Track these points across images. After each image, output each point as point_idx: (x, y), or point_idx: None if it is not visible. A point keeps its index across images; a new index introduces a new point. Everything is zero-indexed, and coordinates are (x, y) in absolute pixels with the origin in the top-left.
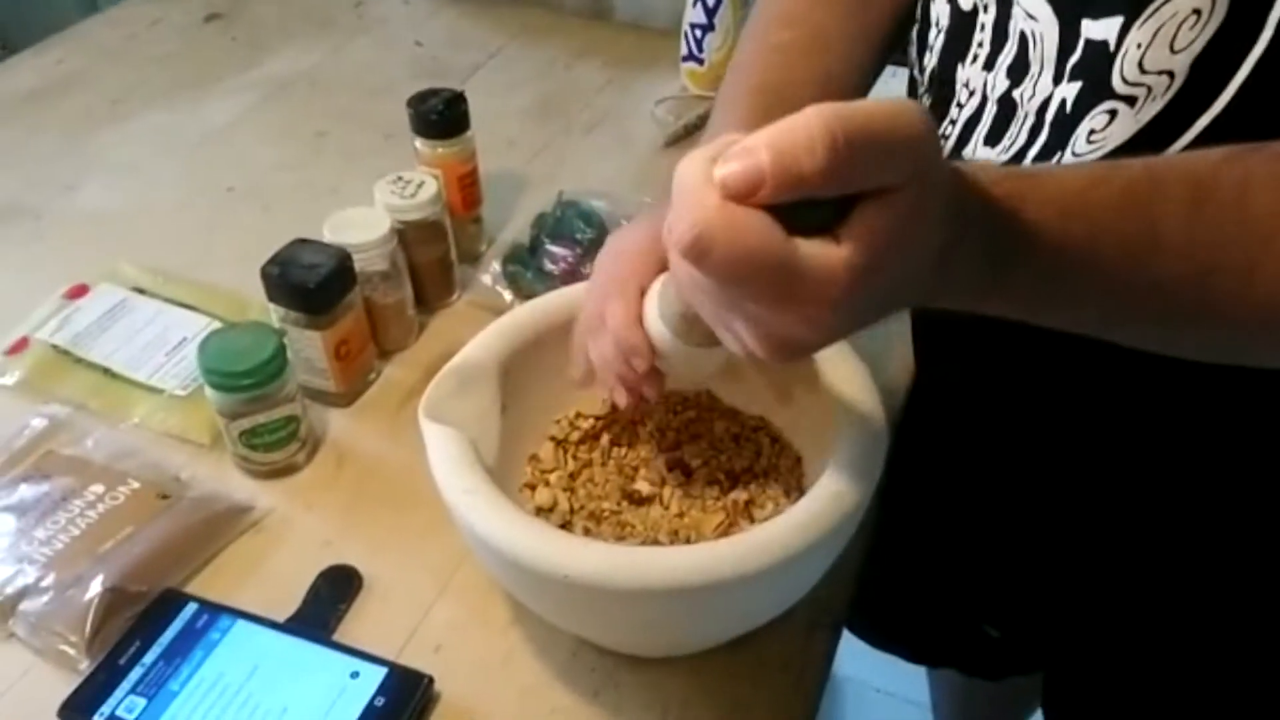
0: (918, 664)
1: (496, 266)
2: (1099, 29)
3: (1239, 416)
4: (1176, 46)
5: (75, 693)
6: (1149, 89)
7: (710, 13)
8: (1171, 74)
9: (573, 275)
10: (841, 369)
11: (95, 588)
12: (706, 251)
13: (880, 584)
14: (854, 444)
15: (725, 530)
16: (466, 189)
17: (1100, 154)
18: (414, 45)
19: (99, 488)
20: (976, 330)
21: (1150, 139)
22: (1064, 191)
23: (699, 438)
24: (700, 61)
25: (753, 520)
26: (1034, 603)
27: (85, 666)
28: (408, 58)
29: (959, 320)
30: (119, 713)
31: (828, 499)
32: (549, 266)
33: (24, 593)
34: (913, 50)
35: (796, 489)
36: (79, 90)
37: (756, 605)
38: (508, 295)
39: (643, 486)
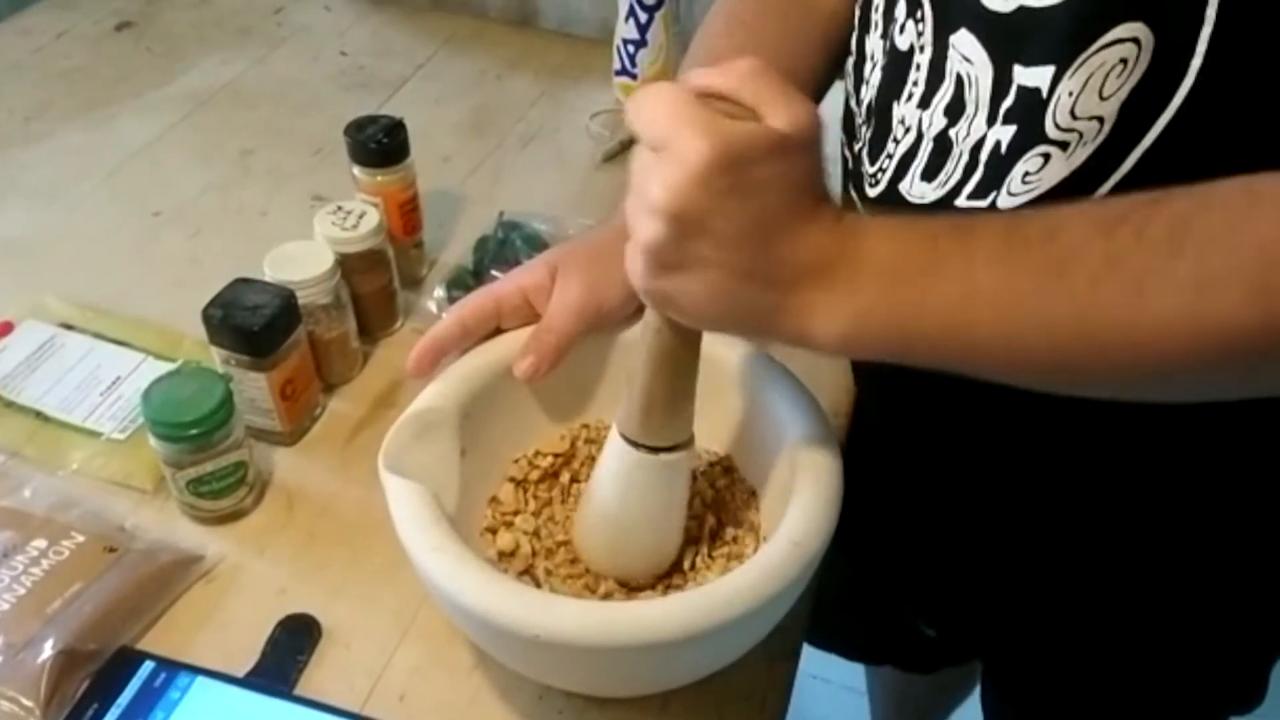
0: (856, 662)
1: (440, 291)
2: (1031, 76)
3: (1168, 425)
4: (1105, 94)
5: None
6: (1080, 134)
7: (643, 29)
8: (1101, 119)
9: None
10: (797, 405)
11: (47, 650)
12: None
13: (819, 587)
14: (811, 488)
15: (684, 570)
16: (407, 215)
17: (1035, 195)
18: (339, 55)
19: (41, 542)
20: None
21: (1081, 180)
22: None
23: None
24: (633, 76)
25: (716, 554)
26: (969, 600)
27: None
28: (333, 68)
29: None
30: None
31: (789, 548)
32: None
33: None
34: (849, 82)
35: (751, 529)
36: None
37: (722, 652)
38: None
39: None
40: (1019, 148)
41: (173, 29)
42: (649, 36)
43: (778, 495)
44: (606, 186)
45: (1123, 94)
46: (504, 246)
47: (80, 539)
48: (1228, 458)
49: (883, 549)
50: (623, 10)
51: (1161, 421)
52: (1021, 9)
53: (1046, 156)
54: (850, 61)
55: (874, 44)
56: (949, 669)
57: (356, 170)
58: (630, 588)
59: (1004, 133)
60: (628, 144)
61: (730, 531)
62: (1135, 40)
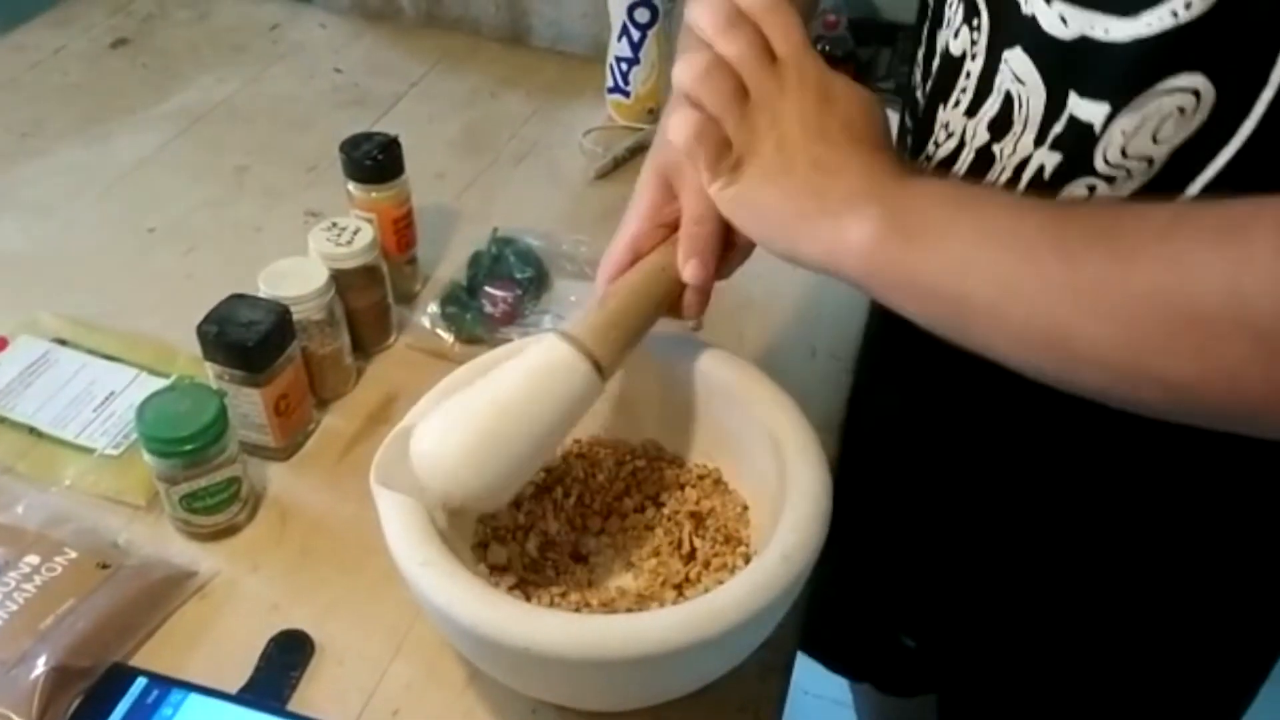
0: (834, 672)
1: (434, 308)
2: (1085, 108)
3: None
4: (1158, 138)
5: None
6: (1128, 171)
7: (635, 47)
8: (1151, 160)
9: (512, 316)
10: (787, 420)
11: (39, 666)
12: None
13: (809, 598)
14: (801, 503)
15: (675, 584)
16: (401, 231)
17: None
18: (333, 72)
19: (34, 558)
20: (915, 354)
21: None
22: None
23: (647, 485)
24: (626, 94)
25: (706, 568)
26: (952, 609)
27: None
28: (328, 86)
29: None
30: None
31: (778, 562)
32: (489, 309)
33: None
34: (917, 74)
35: (742, 543)
36: None
37: (713, 665)
38: (448, 338)
39: (591, 542)
40: (1065, 175)
41: (169, 46)
42: (642, 54)
43: (768, 509)
44: (600, 202)
45: (1175, 140)
46: (498, 262)
47: (73, 555)
48: (1218, 486)
49: (870, 555)
50: (615, 28)
51: (1155, 441)
52: (1084, 39)
53: (1092, 188)
54: (920, 53)
55: (943, 39)
56: (925, 696)
57: (351, 187)
58: (622, 604)
59: (1050, 158)
60: (620, 160)
61: (721, 545)
62: (1195, 92)
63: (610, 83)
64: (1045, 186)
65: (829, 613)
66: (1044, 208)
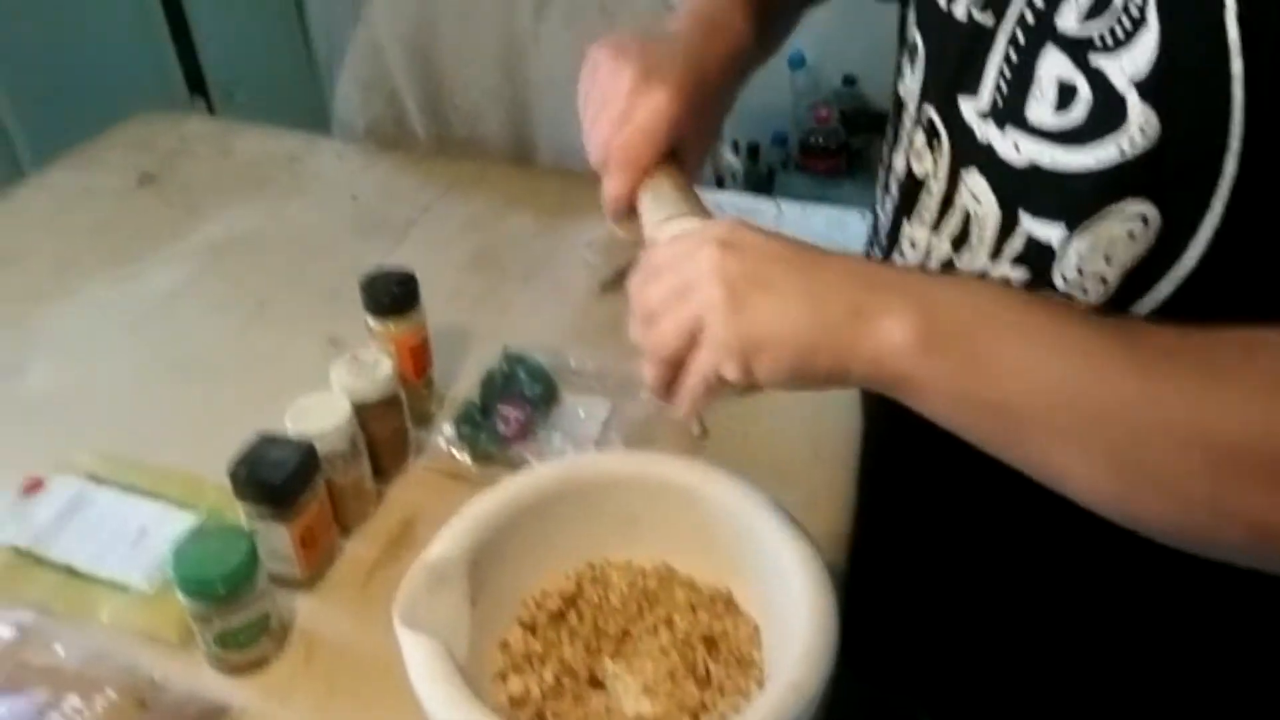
0: None
1: (450, 429)
2: (1041, 229)
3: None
4: (1111, 259)
5: None
6: (1085, 289)
7: None
8: (1105, 279)
9: (525, 434)
10: (792, 541)
11: None
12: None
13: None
14: (809, 629)
15: (691, 709)
16: (418, 358)
17: None
18: (350, 200)
19: (75, 700)
20: (918, 461)
21: None
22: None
23: (660, 606)
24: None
25: (720, 693)
26: (971, 686)
27: None
28: (345, 214)
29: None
30: None
31: (787, 691)
32: (502, 428)
33: None
34: (879, 192)
35: (754, 666)
36: (15, 264)
37: None
38: (463, 458)
39: (607, 666)
40: (1029, 290)
41: (193, 181)
42: None
43: (779, 630)
44: (605, 315)
45: (1127, 261)
46: (509, 380)
47: (113, 696)
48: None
49: (884, 647)
50: None
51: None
52: (1035, 167)
53: None
54: (881, 172)
55: (899, 159)
56: None
57: (371, 320)
58: None
59: (1015, 273)
60: (623, 273)
61: (734, 668)
62: (1143, 217)
63: None
64: None
65: (843, 691)
66: (1085, 320)
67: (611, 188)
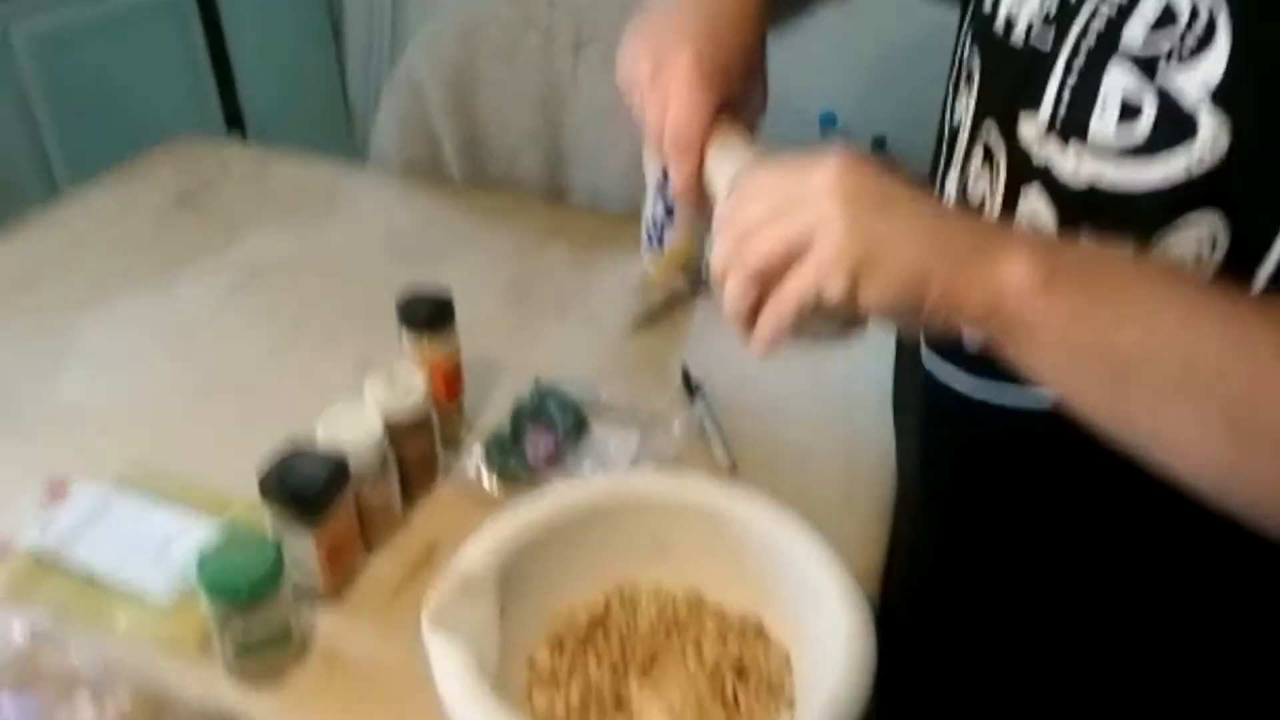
0: None
1: (478, 453)
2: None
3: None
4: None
5: None
6: None
7: (670, 209)
8: None
9: (554, 462)
10: (824, 570)
11: None
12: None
13: None
14: (843, 657)
15: None
16: (450, 381)
17: None
18: (385, 229)
19: (87, 704)
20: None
21: None
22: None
23: (689, 632)
24: (660, 250)
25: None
26: None
27: None
28: (381, 240)
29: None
30: None
31: (824, 712)
32: (530, 455)
33: None
34: None
35: (785, 690)
36: (55, 276)
37: None
38: (490, 482)
39: (633, 689)
40: None
41: (231, 203)
42: (675, 213)
43: (810, 657)
44: (636, 352)
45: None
46: (539, 413)
47: (126, 705)
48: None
49: (914, 697)
50: (650, 188)
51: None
52: (1091, 187)
53: None
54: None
55: (951, 182)
56: None
57: (406, 340)
58: None
59: None
60: (655, 312)
61: (765, 694)
62: (1212, 239)
63: (645, 238)
64: None
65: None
66: (1202, 282)
67: (678, 179)
